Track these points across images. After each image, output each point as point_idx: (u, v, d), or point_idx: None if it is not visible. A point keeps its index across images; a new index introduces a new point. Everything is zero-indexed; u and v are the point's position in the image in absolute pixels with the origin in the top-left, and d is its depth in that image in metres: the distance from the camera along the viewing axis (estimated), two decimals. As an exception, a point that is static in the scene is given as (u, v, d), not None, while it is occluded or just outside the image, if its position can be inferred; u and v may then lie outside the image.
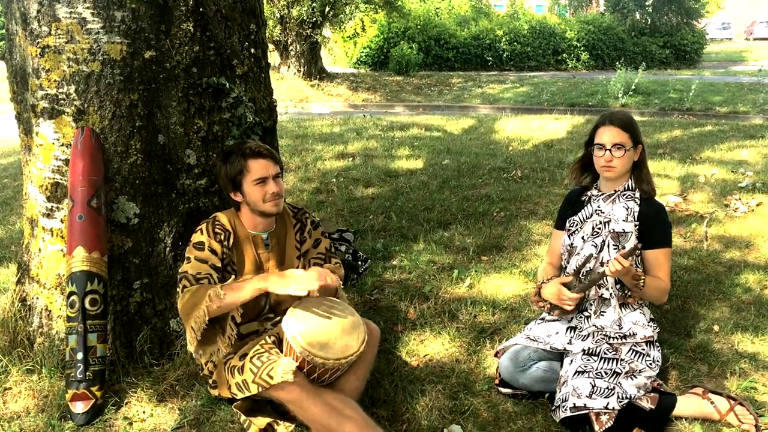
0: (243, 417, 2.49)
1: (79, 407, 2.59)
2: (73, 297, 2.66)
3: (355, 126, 8.66)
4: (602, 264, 2.67)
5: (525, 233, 4.49)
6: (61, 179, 2.86)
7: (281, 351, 2.48)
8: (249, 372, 2.40)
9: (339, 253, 3.80)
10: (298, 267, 2.69)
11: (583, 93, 13.30)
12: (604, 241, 2.70)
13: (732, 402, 2.58)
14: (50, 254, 2.93)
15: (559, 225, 2.93)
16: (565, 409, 2.49)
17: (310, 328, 2.41)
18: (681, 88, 13.42)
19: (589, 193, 2.82)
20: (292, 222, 2.81)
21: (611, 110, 2.71)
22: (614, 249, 2.66)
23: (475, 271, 3.88)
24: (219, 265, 2.56)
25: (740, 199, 5.04)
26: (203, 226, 2.61)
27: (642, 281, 2.55)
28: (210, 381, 2.67)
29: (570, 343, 2.69)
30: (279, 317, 2.73)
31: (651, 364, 2.60)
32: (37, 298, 2.99)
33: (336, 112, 12.09)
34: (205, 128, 2.97)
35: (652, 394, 2.55)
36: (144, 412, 2.68)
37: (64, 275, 2.82)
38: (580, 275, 2.70)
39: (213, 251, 2.56)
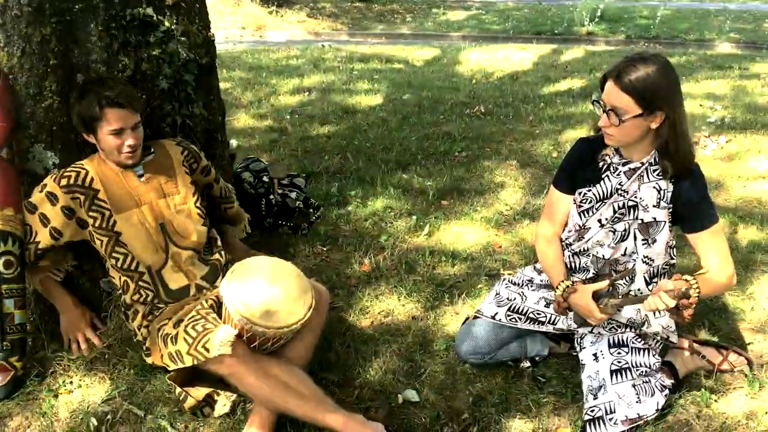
0: (178, 389, 2.28)
1: (-3, 380, 2.35)
2: (-15, 259, 2.38)
3: (313, 57, 8.23)
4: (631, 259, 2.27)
5: (488, 175, 4.27)
6: (-32, 125, 2.53)
7: (220, 316, 2.26)
8: (183, 342, 2.18)
9: (290, 200, 3.54)
10: (188, 198, 2.58)
11: (549, 20, 12.92)
12: (627, 230, 2.25)
13: (723, 352, 2.47)
14: (-38, 208, 2.62)
15: (565, 186, 2.37)
16: (615, 423, 2.17)
17: (251, 292, 2.18)
18: (648, 15, 13.12)
19: (607, 158, 2.26)
20: (176, 150, 2.63)
21: (632, 56, 2.07)
22: (643, 243, 2.23)
23: (435, 217, 3.67)
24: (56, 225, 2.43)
25: (709, 136, 4.87)
26: (47, 178, 2.46)
27: (691, 306, 2.02)
28: (144, 348, 2.44)
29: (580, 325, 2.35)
30: (210, 269, 2.52)
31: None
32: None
33: (295, 41, 11.55)
34: (132, 67, 2.64)
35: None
36: (71, 382, 2.45)
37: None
38: (612, 281, 2.25)
39: (43, 217, 2.43)
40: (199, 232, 2.55)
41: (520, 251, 3.33)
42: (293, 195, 3.55)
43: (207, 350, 2.12)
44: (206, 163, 2.71)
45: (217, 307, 2.34)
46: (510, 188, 4.07)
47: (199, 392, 2.31)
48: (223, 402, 2.32)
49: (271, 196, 3.45)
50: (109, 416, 2.31)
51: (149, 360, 2.43)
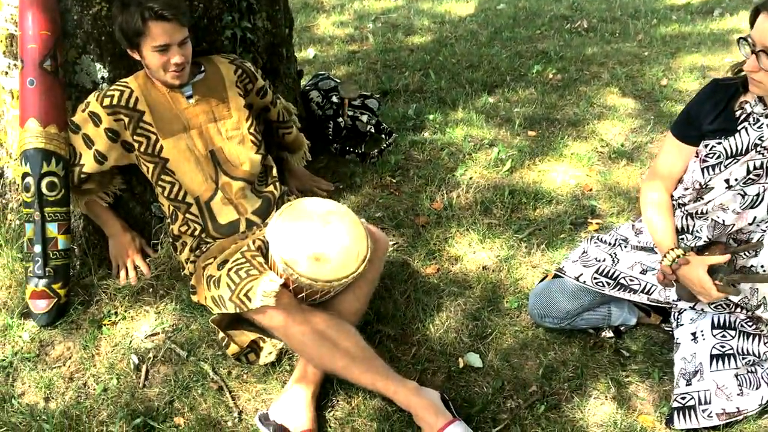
0: (221, 334, 2.11)
1: (39, 306, 2.25)
2: (28, 179, 2.23)
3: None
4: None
5: (584, 103, 3.82)
6: (16, 30, 2.33)
7: (267, 261, 2.05)
8: (226, 287, 1.99)
9: (360, 123, 3.25)
10: (241, 123, 2.34)
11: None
12: (760, 195, 1.88)
13: None
14: (12, 119, 2.48)
15: (689, 135, 1.97)
16: (710, 416, 1.90)
17: (298, 239, 1.95)
18: None
19: (747, 106, 1.87)
20: (229, 68, 2.36)
21: None
22: None
23: (519, 150, 3.30)
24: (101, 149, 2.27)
25: None
26: (91, 96, 2.26)
27: None
28: (190, 284, 2.28)
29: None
30: (263, 202, 2.32)
31: None
32: (6, 167, 2.58)
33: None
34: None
35: None
36: (115, 313, 2.33)
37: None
38: (733, 252, 1.94)
39: (87, 138, 2.26)
40: (253, 161, 2.32)
41: (612, 198, 2.95)
42: (364, 118, 3.25)
43: (249, 299, 1.93)
44: (262, 83, 2.45)
45: (265, 249, 2.13)
46: (608, 120, 3.62)
47: (243, 338, 2.14)
48: (269, 350, 2.14)
49: (340, 119, 3.17)
50: (150, 354, 2.18)
51: (195, 298, 2.28)
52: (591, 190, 3.02)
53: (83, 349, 2.20)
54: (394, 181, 3.05)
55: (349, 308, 2.10)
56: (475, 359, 2.16)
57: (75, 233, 2.47)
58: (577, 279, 2.17)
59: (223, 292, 2.00)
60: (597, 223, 2.76)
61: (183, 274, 2.38)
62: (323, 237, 1.97)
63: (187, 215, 2.27)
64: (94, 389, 2.09)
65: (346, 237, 1.99)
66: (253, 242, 2.12)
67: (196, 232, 2.28)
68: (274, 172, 2.46)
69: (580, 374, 2.12)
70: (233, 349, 2.11)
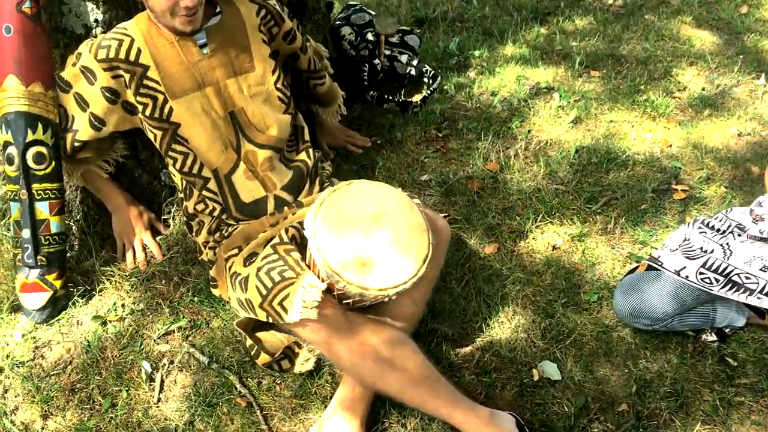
0: (249, 342, 1.76)
1: (32, 302, 1.90)
2: (10, 149, 1.84)
3: None
4: None
5: (652, 36, 3.32)
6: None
7: (304, 255, 1.66)
8: (255, 291, 1.61)
9: (399, 65, 2.79)
10: (267, 77, 1.91)
11: None
12: None
13: None
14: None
15: None
16: None
17: (345, 238, 1.56)
18: None
19: None
20: (251, 8, 1.90)
21: None
22: None
23: (583, 96, 2.85)
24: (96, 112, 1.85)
25: None
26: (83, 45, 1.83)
27: None
28: (210, 274, 1.90)
29: None
30: (294, 175, 1.91)
31: None
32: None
33: None
34: None
35: None
36: (122, 306, 1.97)
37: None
38: None
39: (79, 98, 1.84)
40: (281, 123, 1.91)
41: (699, 159, 2.51)
42: (404, 59, 2.79)
43: (285, 310, 1.56)
44: (290, 25, 1.99)
45: (300, 237, 1.74)
46: (683, 58, 3.13)
47: (275, 342, 1.79)
48: (306, 356, 1.80)
49: (377, 60, 2.71)
50: (165, 359, 1.84)
51: (215, 292, 1.91)
52: (671, 146, 2.58)
53: (85, 352, 1.86)
54: (441, 135, 2.62)
55: (404, 312, 1.73)
56: (552, 370, 1.81)
57: (72, 207, 2.09)
58: (677, 273, 1.79)
59: (253, 297, 1.63)
60: (683, 191, 2.34)
61: (200, 259, 2.00)
62: (375, 234, 1.58)
63: (204, 192, 1.87)
64: (100, 404, 1.75)
65: (403, 232, 1.60)
66: (286, 231, 1.73)
67: (215, 213, 1.89)
68: (306, 134, 2.04)
69: (680, 390, 1.76)
70: (264, 358, 1.76)
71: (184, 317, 1.94)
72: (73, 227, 2.09)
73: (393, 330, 1.65)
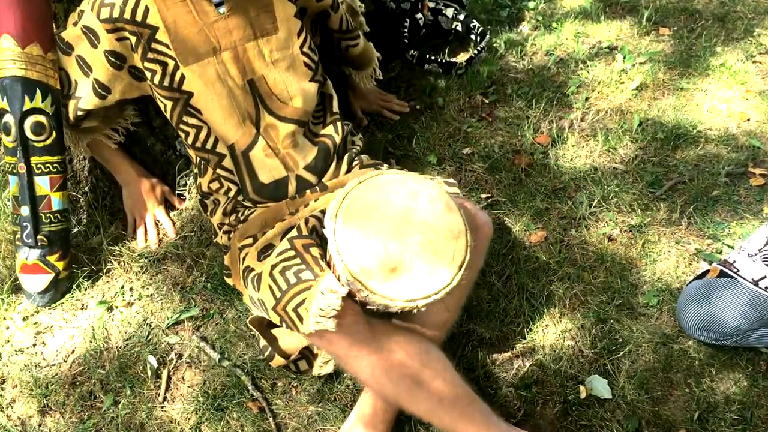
0: (262, 342, 1.58)
1: (32, 284, 1.75)
2: (7, 118, 1.66)
3: None
4: None
5: (731, -12, 2.95)
6: None
7: (324, 252, 1.46)
8: (268, 292, 1.43)
9: (444, 19, 2.51)
10: (292, 40, 1.67)
11: None
12: None
13: None
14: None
15: None
16: None
17: (370, 240, 1.35)
18: None
19: None
20: None
21: None
22: None
23: (650, 59, 2.53)
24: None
25: None
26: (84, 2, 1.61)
27: None
28: (224, 260, 1.72)
29: None
30: (320, 153, 1.70)
31: None
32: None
33: None
34: None
35: None
36: (131, 290, 1.82)
37: None
38: None
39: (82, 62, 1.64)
40: (307, 94, 1.69)
41: (783, 136, 2.21)
42: (449, 12, 2.50)
43: (300, 318, 1.37)
44: (320, -21, 1.75)
45: (322, 228, 1.54)
46: (767, 16, 2.77)
47: (292, 341, 1.61)
48: (325, 358, 1.62)
49: (419, 14, 2.43)
50: (173, 354, 1.68)
51: (229, 281, 1.73)
52: (749, 120, 2.27)
53: (89, 341, 1.71)
54: (487, 101, 2.36)
55: (436, 319, 1.52)
56: (602, 386, 1.59)
57: (79, 178, 1.92)
58: (756, 284, 1.55)
59: (266, 298, 1.44)
60: (761, 176, 2.05)
61: (214, 241, 1.82)
62: (404, 235, 1.36)
63: (219, 170, 1.67)
64: (101, 401, 1.62)
65: (438, 233, 1.38)
66: (306, 222, 1.52)
67: (231, 193, 1.70)
68: (335, 104, 1.81)
69: (749, 418, 1.53)
70: (278, 361, 1.59)
71: (195, 306, 1.77)
72: (81, 200, 1.93)
73: (422, 342, 1.45)
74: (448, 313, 1.54)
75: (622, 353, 1.65)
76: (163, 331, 1.73)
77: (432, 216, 1.39)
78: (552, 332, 1.71)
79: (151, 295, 1.80)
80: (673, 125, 2.23)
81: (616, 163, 2.12)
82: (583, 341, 1.68)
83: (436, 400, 1.39)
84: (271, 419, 1.57)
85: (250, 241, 1.61)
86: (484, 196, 2.02)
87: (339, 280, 1.36)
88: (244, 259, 1.59)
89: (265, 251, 1.54)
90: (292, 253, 1.45)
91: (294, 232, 1.50)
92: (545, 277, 1.82)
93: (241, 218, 1.68)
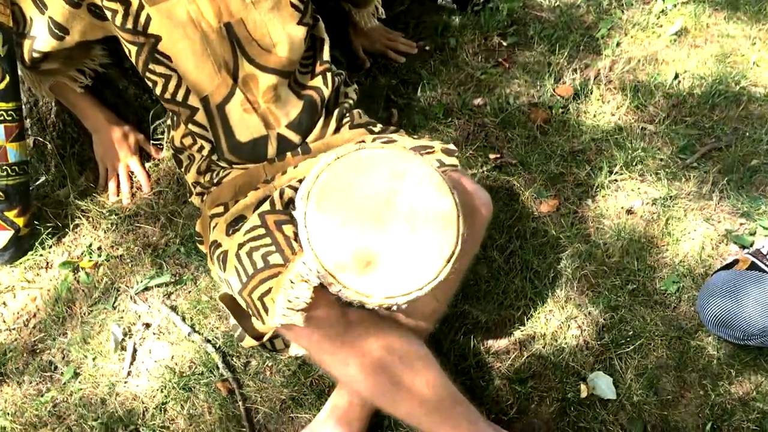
0: (232, 320, 1.44)
1: (-9, 242, 1.61)
2: (-48, 57, 1.47)
3: None
4: None
5: None
6: None
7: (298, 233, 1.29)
8: (234, 274, 1.27)
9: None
10: None
11: None
12: None
13: None
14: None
15: None
16: None
17: (345, 229, 1.17)
18: None
19: None
20: None
21: None
22: None
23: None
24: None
25: None
26: None
27: None
28: (196, 229, 1.56)
29: None
30: (306, 108, 1.49)
31: None
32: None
33: None
34: None
35: None
36: (99, 250, 1.67)
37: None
38: None
39: None
40: (293, 40, 1.48)
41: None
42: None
43: (265, 309, 1.22)
44: None
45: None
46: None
47: (263, 326, 1.46)
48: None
49: (434, -60, 2.16)
50: (139, 324, 1.55)
51: (202, 248, 1.58)
52: (800, 78, 2.01)
53: (52, 305, 1.59)
54: (505, 44, 2.11)
55: (422, 309, 1.36)
56: (606, 385, 1.44)
57: (44, 123, 1.74)
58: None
59: (232, 280, 1.29)
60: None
61: (189, 200, 1.66)
62: (386, 223, 1.18)
63: (192, 126, 1.49)
64: (61, 373, 1.50)
65: (424, 220, 1.19)
66: (281, 194, 1.35)
67: (204, 151, 1.52)
68: (326, 50, 1.59)
69: (770, 429, 1.37)
70: (250, 342, 1.44)
71: (167, 270, 1.63)
72: (48, 146, 1.76)
73: (404, 336, 1.29)
74: (437, 303, 1.37)
75: (632, 347, 1.49)
76: (131, 297, 1.60)
77: (419, 200, 1.20)
78: (555, 319, 1.54)
79: (120, 256, 1.65)
80: (713, 79, 1.97)
81: (644, 122, 1.89)
82: (589, 331, 1.52)
83: (417, 402, 1.25)
84: (240, 403, 1.44)
85: (221, 209, 1.44)
86: (492, 156, 1.81)
87: (308, 269, 1.19)
88: (213, 228, 1.42)
89: (235, 224, 1.37)
90: (262, 231, 1.28)
91: (266, 206, 1.33)
92: (553, 254, 1.64)
93: (215, 180, 1.50)
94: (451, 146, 1.43)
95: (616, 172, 1.77)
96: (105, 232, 1.69)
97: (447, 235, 1.19)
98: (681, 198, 1.72)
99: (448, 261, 1.18)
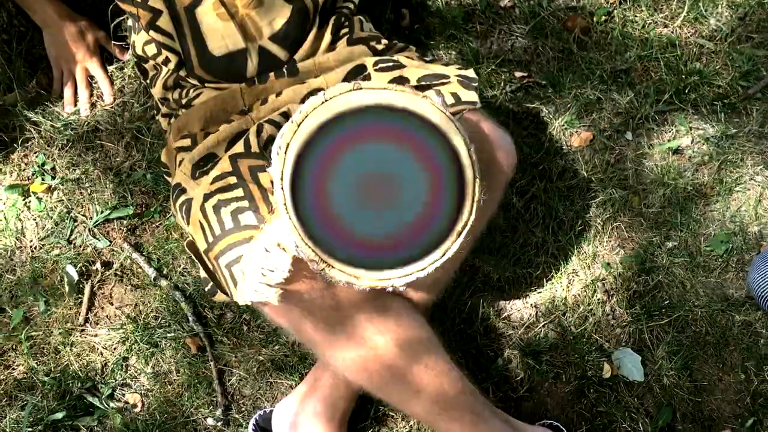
0: (202, 272, 1.22)
1: (-77, 161, 1.37)
2: None
3: None
4: None
5: None
6: None
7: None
8: (199, 230, 1.05)
9: None
10: None
11: None
12: None
13: None
14: None
15: None
16: None
17: (330, 192, 0.93)
18: None
19: None
20: None
21: None
22: None
23: None
24: None
25: None
26: None
27: None
28: (162, 154, 1.31)
29: None
30: (293, 16, 1.20)
31: None
32: None
33: None
34: None
35: None
36: (52, 170, 1.44)
37: None
38: None
39: None
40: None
41: None
42: None
43: (234, 281, 1.01)
44: None
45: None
46: None
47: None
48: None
49: None
50: (98, 264, 1.34)
51: (171, 181, 1.33)
52: None
53: (-1, 235, 1.37)
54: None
55: (424, 280, 1.13)
56: (632, 365, 1.25)
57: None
58: None
59: (196, 237, 1.07)
60: None
61: (157, 119, 1.40)
62: (380, 188, 0.94)
63: (154, 33, 1.20)
64: (9, 317, 1.31)
65: (430, 184, 0.95)
66: (259, 131, 1.10)
67: (171, 64, 1.24)
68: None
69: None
70: (222, 297, 1.23)
71: (132, 201, 1.40)
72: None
73: (405, 316, 1.08)
74: (442, 271, 1.14)
75: (666, 319, 1.28)
76: (89, 230, 1.38)
77: (426, 155, 0.95)
78: (579, 281, 1.32)
79: (77, 179, 1.42)
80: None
81: (702, 38, 1.58)
82: (618, 298, 1.31)
83: (420, 399, 1.06)
84: (212, 363, 1.26)
85: (187, 142, 1.18)
86: (518, 74, 1.53)
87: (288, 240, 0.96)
88: (179, 165, 1.18)
89: (203, 165, 1.13)
90: (233, 179, 1.05)
91: (240, 146, 1.08)
92: (582, 201, 1.40)
93: (184, 101, 1.24)
94: (470, 73, 1.16)
95: (665, 101, 1.49)
96: (60, 149, 1.44)
97: (463, 202, 0.95)
98: (739, 137, 1.45)
99: (459, 235, 0.95)
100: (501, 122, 1.41)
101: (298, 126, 0.92)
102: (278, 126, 1.09)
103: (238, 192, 1.03)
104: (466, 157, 0.95)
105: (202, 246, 1.06)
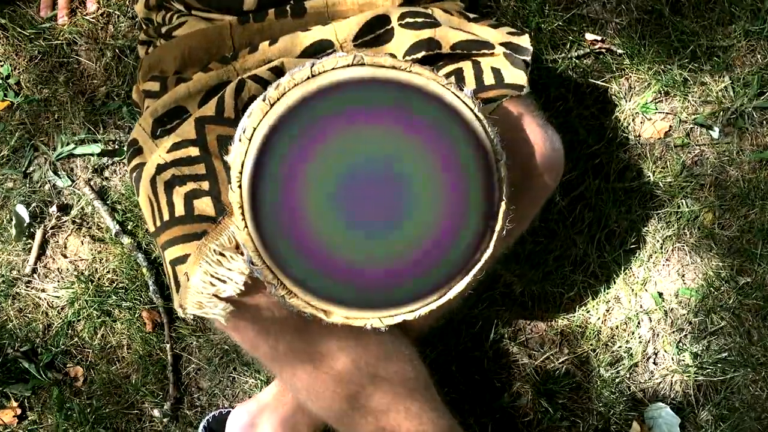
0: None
1: None
2: None
3: None
4: None
5: None
6: None
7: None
8: (147, 206, 0.84)
9: None
10: None
11: None
12: None
13: None
14: None
15: None
16: None
17: (305, 192, 0.69)
18: None
19: None
20: None
21: None
22: None
23: None
24: None
25: None
26: None
27: None
28: (133, 91, 1.07)
29: None
30: None
31: None
32: None
33: None
34: None
35: None
36: (17, 86, 1.22)
37: None
38: None
39: None
40: None
41: None
42: None
43: (177, 283, 0.80)
44: None
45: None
46: None
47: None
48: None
49: None
50: (54, 207, 1.14)
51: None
52: None
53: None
54: None
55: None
56: (668, 428, 1.01)
57: None
58: None
59: (144, 212, 0.86)
60: None
61: (138, 44, 1.15)
62: (371, 192, 0.70)
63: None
64: (-51, 249, 1.13)
65: (435, 200, 0.70)
66: (238, 88, 0.85)
67: (155, -11, 0.99)
68: None
69: None
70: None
71: (103, 135, 1.18)
72: None
73: (389, 349, 0.86)
74: (438, 311, 0.91)
75: (721, 376, 1.03)
76: (50, 164, 1.17)
77: (430, 163, 0.70)
78: (621, 311, 1.08)
79: (44, 100, 1.20)
80: None
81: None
82: (665, 340, 1.06)
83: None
84: (168, 346, 1.07)
85: (156, 86, 0.94)
86: (590, 37, 1.23)
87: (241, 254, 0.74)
88: (143, 112, 0.94)
89: (167, 121, 0.89)
90: (195, 150, 0.82)
91: (211, 108, 0.84)
92: (641, 209, 1.13)
93: (164, 28, 0.99)
94: (524, 41, 0.89)
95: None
96: (29, 60, 1.21)
97: (474, 219, 0.71)
98: None
99: (466, 273, 0.71)
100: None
101: (271, 106, 0.68)
102: (265, 85, 0.84)
103: (199, 168, 0.81)
104: (492, 171, 0.69)
105: (149, 227, 0.84)
